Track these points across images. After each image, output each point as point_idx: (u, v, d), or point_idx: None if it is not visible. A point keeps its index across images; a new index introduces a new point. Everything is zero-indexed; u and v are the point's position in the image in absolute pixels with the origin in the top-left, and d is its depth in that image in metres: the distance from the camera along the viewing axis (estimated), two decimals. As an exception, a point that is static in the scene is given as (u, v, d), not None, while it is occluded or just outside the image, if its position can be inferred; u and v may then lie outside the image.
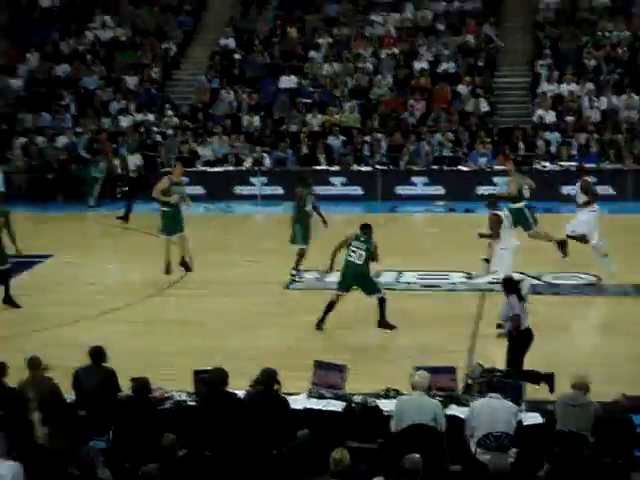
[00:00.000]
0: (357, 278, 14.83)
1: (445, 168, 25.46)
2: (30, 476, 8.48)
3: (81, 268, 18.31)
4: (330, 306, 14.72)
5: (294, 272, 17.51)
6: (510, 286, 12.55)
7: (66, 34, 31.51)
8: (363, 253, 14.72)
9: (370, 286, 14.84)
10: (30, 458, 8.92)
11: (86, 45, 31.12)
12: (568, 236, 17.89)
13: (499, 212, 16.30)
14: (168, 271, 17.37)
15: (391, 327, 14.68)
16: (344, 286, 14.83)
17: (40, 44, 31.24)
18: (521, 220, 17.73)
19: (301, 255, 17.51)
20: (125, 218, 22.37)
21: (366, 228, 15.05)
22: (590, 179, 18.76)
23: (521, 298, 12.37)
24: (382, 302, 14.71)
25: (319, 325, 14.73)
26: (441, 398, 10.33)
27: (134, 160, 24.23)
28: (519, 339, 12.19)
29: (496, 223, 16.16)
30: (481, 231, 16.57)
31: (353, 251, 14.73)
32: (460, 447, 9.75)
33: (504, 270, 14.98)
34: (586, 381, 9.93)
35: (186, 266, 17.55)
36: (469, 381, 10.83)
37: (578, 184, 18.25)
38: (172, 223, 17.42)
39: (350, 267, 14.77)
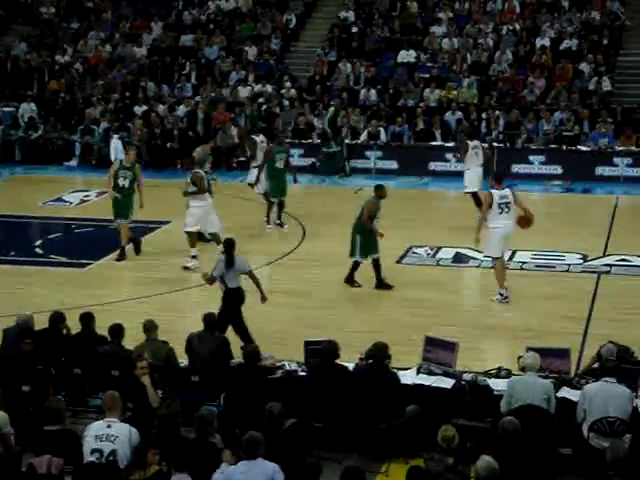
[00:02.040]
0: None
1: (564, 147, 24.97)
2: (143, 438, 8.67)
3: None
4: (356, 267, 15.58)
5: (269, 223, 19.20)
6: (225, 246, 12.93)
7: (189, 4, 31.95)
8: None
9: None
10: (143, 420, 9.14)
11: (208, 15, 31.51)
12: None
13: (200, 170, 16.80)
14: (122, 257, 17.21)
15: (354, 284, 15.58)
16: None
17: (164, 14, 31.77)
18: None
19: (277, 205, 19.32)
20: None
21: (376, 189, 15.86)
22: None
23: (231, 262, 12.62)
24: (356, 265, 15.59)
25: (349, 282, 15.57)
26: (553, 380, 10.17)
27: None
28: (226, 298, 12.54)
29: (200, 180, 16.67)
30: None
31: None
32: (571, 430, 9.62)
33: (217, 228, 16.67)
34: None
35: (123, 253, 17.26)
36: (602, 361, 10.37)
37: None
38: (119, 208, 17.25)
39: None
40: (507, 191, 14.91)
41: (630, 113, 25.87)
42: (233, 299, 12.54)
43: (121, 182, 17.26)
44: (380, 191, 15.64)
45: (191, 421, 8.74)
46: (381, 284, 15.50)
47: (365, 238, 15.34)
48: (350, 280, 15.60)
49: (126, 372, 10.30)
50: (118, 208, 17.29)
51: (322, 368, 10.37)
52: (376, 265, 15.44)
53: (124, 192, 17.28)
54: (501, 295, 14.94)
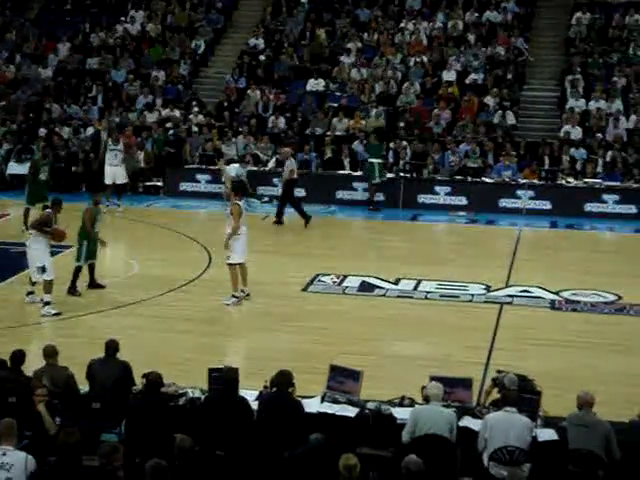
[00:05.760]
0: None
1: (469, 179, 25.34)
2: (42, 468, 8.46)
3: (100, 260, 18.27)
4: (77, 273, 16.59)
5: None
6: None
7: (97, 26, 31.67)
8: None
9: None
10: (41, 448, 8.93)
11: (116, 38, 31.28)
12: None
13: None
14: None
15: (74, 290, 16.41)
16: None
17: (71, 35, 31.44)
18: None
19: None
20: None
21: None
22: None
23: None
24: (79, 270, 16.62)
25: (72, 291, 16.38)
26: (455, 409, 10.24)
27: None
28: None
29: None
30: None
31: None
32: (472, 459, 9.69)
33: None
34: (589, 399, 9.82)
35: None
36: (504, 391, 10.48)
37: None
38: None
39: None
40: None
41: (533, 147, 26.41)
42: None
43: None
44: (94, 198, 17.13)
45: (92, 449, 8.56)
46: (94, 284, 16.80)
47: (90, 245, 16.60)
48: (73, 288, 16.46)
49: (24, 399, 10.06)
50: None
51: (219, 396, 10.25)
52: (92, 269, 16.81)
53: None
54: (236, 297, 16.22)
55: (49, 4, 33.23)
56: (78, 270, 16.59)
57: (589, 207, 24.37)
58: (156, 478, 7.95)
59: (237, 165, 23.63)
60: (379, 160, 24.77)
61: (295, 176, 22.90)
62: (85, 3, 32.97)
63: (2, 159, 26.17)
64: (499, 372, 11.04)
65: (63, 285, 16.27)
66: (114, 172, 23.60)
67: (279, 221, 22.60)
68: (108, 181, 23.47)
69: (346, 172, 25.78)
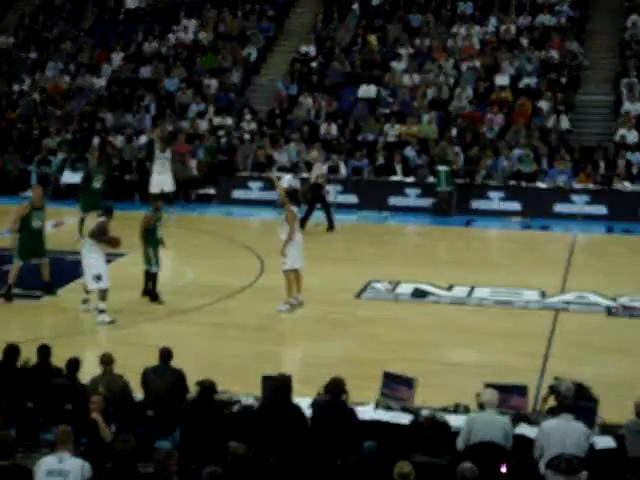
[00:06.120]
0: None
1: (523, 184, 25.12)
2: (98, 474, 8.51)
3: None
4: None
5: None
6: None
7: (149, 36, 31.95)
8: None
9: None
10: (97, 455, 8.98)
11: (168, 47, 31.51)
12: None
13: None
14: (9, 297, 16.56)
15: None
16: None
17: (124, 45, 31.74)
18: None
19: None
20: None
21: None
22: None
23: None
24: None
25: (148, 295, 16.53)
26: (511, 416, 10.13)
27: None
28: None
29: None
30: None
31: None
32: (528, 467, 9.57)
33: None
34: None
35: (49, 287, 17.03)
36: (560, 398, 10.36)
37: None
38: (29, 248, 16.83)
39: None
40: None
41: (588, 151, 26.11)
42: None
43: (36, 224, 16.90)
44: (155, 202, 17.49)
45: (146, 456, 8.59)
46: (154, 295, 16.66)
47: (156, 249, 16.66)
48: (155, 295, 16.56)
49: (80, 406, 10.14)
50: (30, 248, 16.92)
51: (272, 403, 10.24)
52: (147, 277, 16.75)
53: (37, 232, 16.96)
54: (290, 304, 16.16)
55: (103, 15, 33.60)
56: (154, 276, 16.62)
57: (644, 211, 24.07)
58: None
59: (289, 176, 23.58)
60: (446, 168, 24.61)
61: (320, 180, 22.74)
62: (138, 13, 33.33)
63: (57, 168, 26.47)
64: (556, 379, 10.90)
65: (117, 293, 16.36)
66: (162, 180, 23.63)
67: (331, 227, 22.57)
68: (154, 190, 23.53)
69: (398, 178, 25.70)
